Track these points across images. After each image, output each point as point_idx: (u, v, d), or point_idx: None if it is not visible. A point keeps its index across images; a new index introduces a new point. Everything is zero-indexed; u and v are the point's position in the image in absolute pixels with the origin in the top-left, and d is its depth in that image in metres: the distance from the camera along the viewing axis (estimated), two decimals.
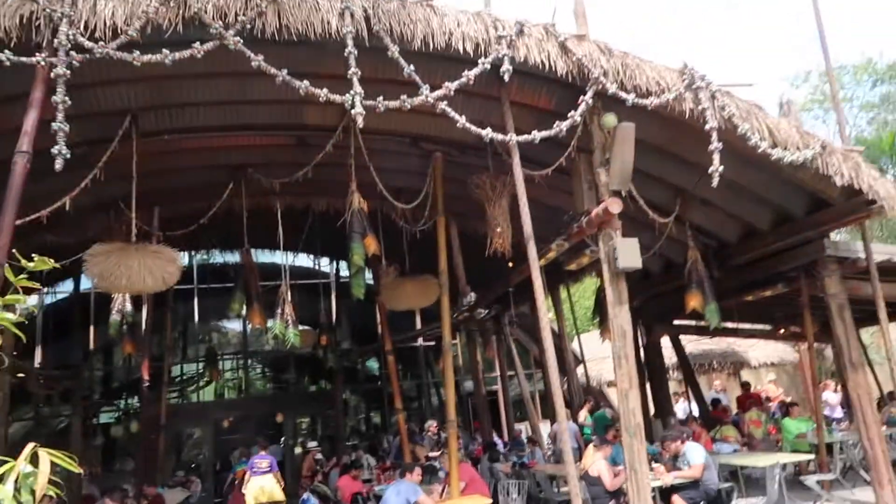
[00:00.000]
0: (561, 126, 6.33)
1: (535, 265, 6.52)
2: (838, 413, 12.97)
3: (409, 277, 10.72)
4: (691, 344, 16.80)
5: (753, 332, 15.19)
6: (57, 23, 5.07)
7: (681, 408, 15.45)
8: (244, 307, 10.63)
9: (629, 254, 6.45)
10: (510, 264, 10.09)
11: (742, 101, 6.89)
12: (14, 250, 2.64)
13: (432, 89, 5.89)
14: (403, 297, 10.86)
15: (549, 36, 6.35)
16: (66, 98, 5.03)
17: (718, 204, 9.18)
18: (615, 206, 6.45)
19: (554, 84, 6.78)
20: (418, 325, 18.73)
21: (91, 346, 16.61)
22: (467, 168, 8.54)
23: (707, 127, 6.60)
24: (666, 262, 11.17)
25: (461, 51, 6.02)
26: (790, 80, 30.22)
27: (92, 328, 16.12)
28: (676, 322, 13.46)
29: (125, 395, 18.86)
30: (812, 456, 9.36)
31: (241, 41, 5.38)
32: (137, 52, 5.13)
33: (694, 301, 9.24)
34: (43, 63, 5.00)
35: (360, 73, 5.61)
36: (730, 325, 12.20)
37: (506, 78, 6.13)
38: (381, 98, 5.70)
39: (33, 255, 2.36)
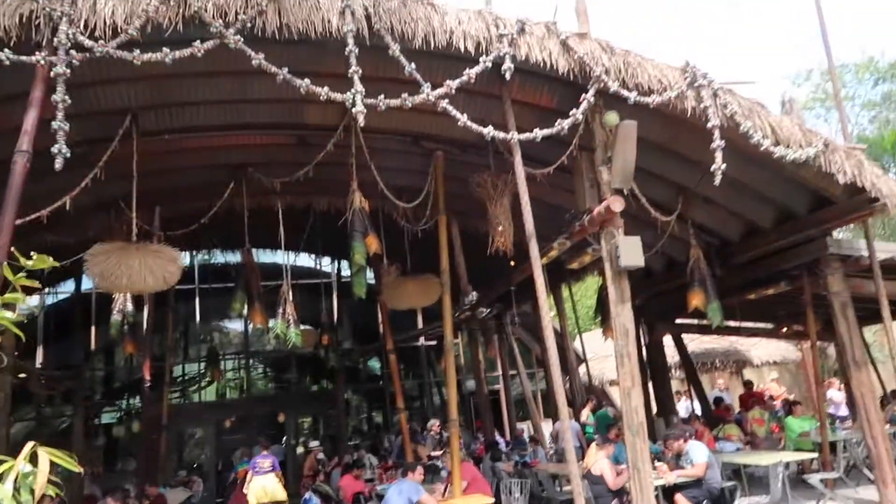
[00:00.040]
0: (562, 124, 6.31)
1: (537, 263, 6.50)
2: (843, 411, 12.93)
3: (410, 276, 10.70)
4: (693, 343, 16.78)
5: (756, 331, 15.16)
6: (57, 22, 5.06)
7: (683, 406, 15.42)
8: (245, 307, 10.62)
9: (631, 252, 6.43)
10: (512, 263, 10.07)
11: (744, 99, 6.87)
12: (13, 249, 2.62)
13: (433, 88, 5.87)
14: (405, 297, 10.84)
15: (551, 34, 6.33)
16: (66, 97, 5.02)
17: (720, 202, 9.16)
18: (617, 205, 6.42)
19: (555, 82, 6.76)
20: (420, 324, 18.72)
21: (92, 346, 16.62)
22: (469, 167, 8.52)
23: (709, 125, 6.57)
24: (668, 260, 11.15)
25: (462, 49, 6.00)
26: (792, 79, 30.19)
27: (93, 328, 16.11)
28: (679, 321, 13.43)
29: (127, 396, 18.87)
30: (815, 454, 9.33)
31: (242, 40, 5.36)
32: (137, 51, 5.12)
33: (696, 299, 9.21)
34: (43, 62, 4.98)
35: (360, 71, 5.59)
36: (732, 323, 12.16)
37: (507, 76, 6.11)
38: (382, 96, 5.68)
39: (32, 253, 2.35)
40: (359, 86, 5.57)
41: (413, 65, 5.80)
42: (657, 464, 7.75)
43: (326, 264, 19.14)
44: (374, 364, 21.41)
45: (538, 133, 6.29)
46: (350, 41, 5.58)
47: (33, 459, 1.97)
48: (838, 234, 9.60)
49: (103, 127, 6.94)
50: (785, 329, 14.13)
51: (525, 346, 17.87)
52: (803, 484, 8.77)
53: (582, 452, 9.94)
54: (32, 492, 1.94)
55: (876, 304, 8.62)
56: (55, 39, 5.03)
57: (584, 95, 6.37)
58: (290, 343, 9.04)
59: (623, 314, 6.53)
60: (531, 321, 15.37)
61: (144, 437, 14.64)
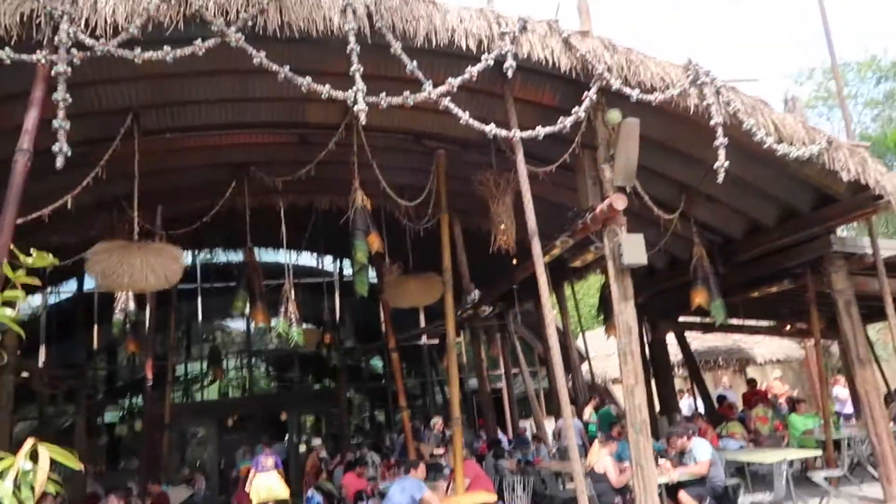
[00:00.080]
0: (565, 122, 6.29)
1: (540, 262, 6.48)
2: (849, 409, 12.91)
3: (412, 275, 10.69)
4: (697, 341, 16.76)
5: (759, 329, 15.14)
6: (57, 20, 5.04)
7: (686, 404, 15.41)
8: (247, 306, 10.62)
9: (634, 250, 6.42)
10: (514, 262, 10.05)
11: (747, 97, 6.85)
12: (14, 248, 2.61)
13: (435, 86, 5.85)
14: (407, 295, 10.83)
15: (553, 32, 6.31)
16: (67, 96, 5.01)
17: (723, 200, 9.14)
18: (619, 203, 6.41)
19: (557, 80, 6.74)
20: (422, 323, 18.71)
21: (95, 345, 16.63)
22: (470, 165, 8.50)
23: (712, 122, 6.55)
24: (671, 258, 11.13)
25: (464, 47, 5.98)
26: (794, 77, 30.11)
27: (96, 328, 16.13)
28: (681, 319, 13.41)
29: (129, 395, 18.89)
30: (819, 452, 9.31)
31: (243, 38, 5.35)
32: (139, 50, 5.11)
33: (699, 297, 9.20)
34: (43, 61, 4.97)
35: (362, 69, 5.57)
36: (735, 321, 12.15)
37: (509, 74, 6.09)
38: (383, 94, 5.67)
39: (31, 249, 2.34)
40: (360, 84, 5.56)
41: (415, 63, 5.79)
42: (660, 461, 7.73)
43: (328, 263, 19.13)
44: (377, 363, 21.41)
45: (540, 130, 6.27)
46: (351, 39, 5.56)
47: (34, 457, 1.96)
48: (842, 231, 9.57)
49: (104, 126, 6.93)
50: (788, 327, 14.11)
51: (527, 344, 17.86)
52: (807, 482, 8.75)
53: (584, 451, 9.93)
54: (33, 489, 1.93)
55: (879, 301, 8.59)
56: (56, 38, 5.01)
57: (586, 93, 6.35)
58: (293, 342, 9.03)
59: (626, 312, 6.52)
60: (533, 319, 15.36)
61: (147, 436, 14.65)
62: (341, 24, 5.57)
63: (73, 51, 5.00)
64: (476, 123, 6.12)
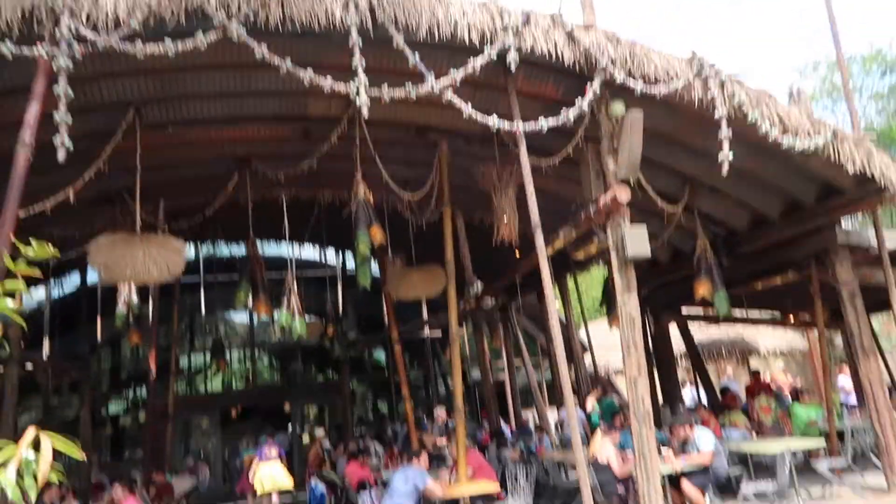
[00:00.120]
0: (568, 114, 6.28)
1: (543, 254, 6.48)
2: (854, 399, 12.91)
3: (415, 267, 10.69)
4: (700, 332, 16.76)
5: (762, 321, 15.14)
6: (59, 14, 5.03)
7: (688, 395, 15.43)
8: (250, 298, 10.64)
9: (638, 242, 6.42)
10: (517, 254, 10.05)
11: (752, 89, 6.82)
12: (15, 240, 2.61)
13: (437, 79, 5.83)
14: (410, 287, 10.84)
15: (556, 25, 6.28)
16: (69, 90, 5.00)
17: (727, 192, 9.11)
18: (623, 195, 6.40)
19: (561, 74, 6.71)
20: (425, 315, 18.74)
21: (99, 338, 16.69)
22: (473, 158, 8.48)
23: (716, 115, 6.53)
24: (674, 250, 11.12)
25: (467, 41, 5.96)
26: (798, 71, 29.97)
27: (99, 320, 16.18)
28: (684, 310, 13.41)
29: (133, 386, 18.98)
30: (823, 442, 9.33)
31: (245, 32, 5.33)
32: (140, 44, 5.09)
33: (703, 289, 9.18)
34: (45, 55, 4.96)
35: (364, 63, 5.56)
36: (738, 313, 12.15)
37: (512, 68, 6.07)
38: (384, 86, 5.65)
39: (31, 239, 2.34)
40: (363, 77, 5.54)
41: (417, 56, 5.77)
42: (663, 451, 7.75)
43: (331, 256, 19.15)
44: (380, 355, 21.47)
45: (544, 122, 6.25)
46: (354, 33, 5.54)
47: (37, 446, 1.97)
48: (845, 223, 9.55)
49: (107, 120, 6.93)
50: (792, 318, 14.10)
51: (530, 336, 17.88)
52: (810, 471, 8.77)
53: (585, 441, 9.96)
54: (35, 478, 1.94)
55: (883, 293, 8.58)
56: (57, 32, 5.00)
57: (589, 86, 6.33)
58: (296, 334, 9.05)
59: (629, 303, 6.53)
60: (536, 311, 15.38)
61: (151, 427, 14.74)
62: (343, 17, 5.56)
63: (75, 45, 4.99)
64: (479, 116, 6.11)
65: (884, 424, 8.49)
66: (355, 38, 5.53)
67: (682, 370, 16.99)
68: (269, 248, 14.96)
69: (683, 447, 8.17)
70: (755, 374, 15.07)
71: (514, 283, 12.20)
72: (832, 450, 9.32)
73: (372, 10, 5.66)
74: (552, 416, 14.93)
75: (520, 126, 6.34)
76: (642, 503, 6.31)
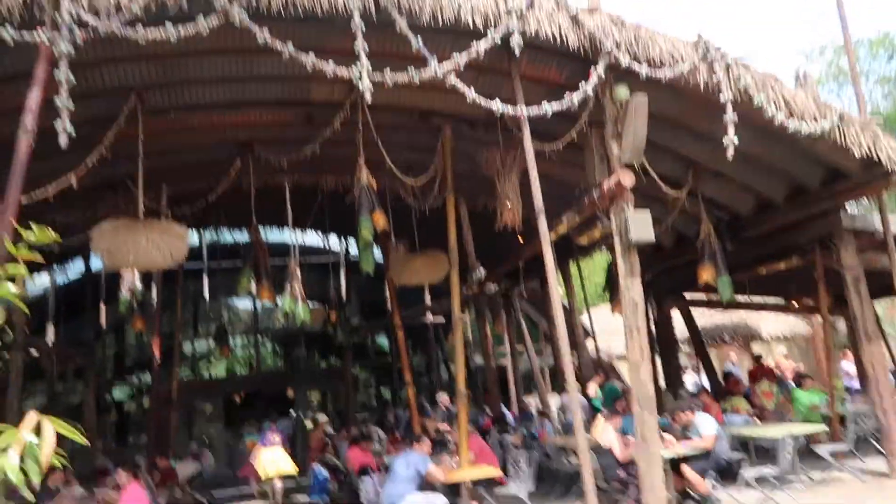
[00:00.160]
0: (572, 98, 6.24)
1: (546, 239, 6.48)
2: (858, 384, 12.91)
3: (418, 253, 10.69)
4: (703, 317, 16.77)
5: (765, 305, 15.13)
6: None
7: (689, 380, 15.47)
8: (254, 284, 10.66)
9: (641, 227, 6.41)
10: (520, 240, 10.04)
11: (758, 72, 6.77)
12: (17, 225, 2.61)
13: (441, 63, 5.80)
14: (413, 273, 10.84)
15: (560, 8, 6.24)
16: (70, 76, 4.98)
17: (732, 176, 9.08)
18: (627, 179, 6.38)
19: (565, 58, 6.67)
20: (428, 301, 18.76)
21: (103, 324, 16.76)
22: (477, 143, 8.45)
23: (722, 99, 6.49)
24: (678, 235, 11.10)
25: (470, 24, 5.92)
26: (805, 55, 29.74)
27: (104, 307, 16.24)
28: (687, 295, 13.41)
29: (137, 372, 19.07)
30: (825, 427, 9.35)
31: (247, 17, 5.29)
32: (142, 29, 5.06)
33: (706, 274, 9.17)
34: (46, 41, 4.93)
35: (367, 47, 5.52)
36: (741, 298, 12.14)
37: (516, 51, 6.03)
38: (388, 72, 5.62)
39: (31, 223, 2.33)
40: (366, 61, 5.51)
41: (420, 40, 5.73)
42: (665, 436, 7.78)
43: (334, 242, 19.16)
44: (382, 340, 21.53)
45: (547, 107, 6.22)
46: (356, 17, 5.50)
47: (39, 431, 1.98)
48: (850, 208, 9.52)
49: (108, 106, 6.90)
50: (795, 304, 14.09)
51: (533, 321, 17.91)
52: (812, 456, 8.80)
53: (586, 427, 9.99)
54: (38, 462, 1.94)
55: (888, 278, 8.57)
56: (58, 17, 4.97)
57: (593, 69, 6.29)
58: (299, 320, 9.06)
59: (632, 288, 6.53)
60: (539, 297, 15.39)
61: (155, 413, 14.81)
62: (346, 1, 5.52)
63: (76, 30, 4.96)
64: (482, 100, 6.08)
65: (886, 409, 8.51)
66: (358, 23, 5.49)
67: (685, 355, 17.04)
68: (273, 235, 14.96)
69: (685, 432, 8.20)
70: (757, 359, 15.12)
71: (517, 269, 12.19)
72: (834, 434, 9.34)
73: None
74: (554, 401, 14.99)
75: (523, 110, 6.31)
76: (643, 488, 6.35)
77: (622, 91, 6.42)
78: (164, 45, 5.19)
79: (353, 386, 19.60)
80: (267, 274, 10.24)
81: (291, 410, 19.33)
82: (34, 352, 13.00)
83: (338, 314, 18.47)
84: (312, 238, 17.32)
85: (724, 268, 9.22)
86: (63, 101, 4.94)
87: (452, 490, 7.73)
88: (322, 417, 15.64)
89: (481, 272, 11.81)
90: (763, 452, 8.61)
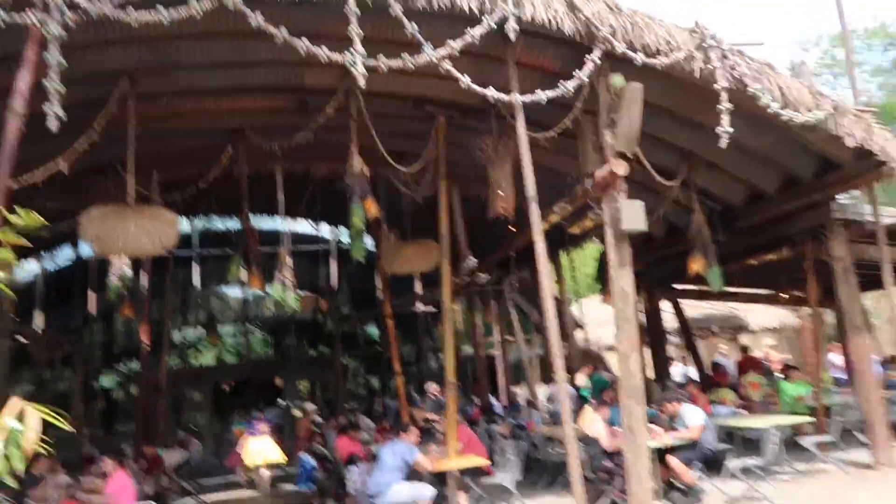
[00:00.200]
0: (567, 85, 6.23)
1: (538, 228, 6.48)
2: (846, 375, 13.03)
3: (409, 242, 10.68)
4: (692, 308, 16.85)
5: (755, 297, 15.23)
6: None
7: (677, 371, 15.56)
8: (243, 272, 10.62)
9: (633, 216, 6.42)
10: (513, 229, 10.04)
11: (753, 61, 6.78)
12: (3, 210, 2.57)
13: (435, 50, 5.78)
14: (404, 262, 10.82)
15: None
16: (61, 58, 4.93)
17: (724, 166, 9.11)
18: (620, 168, 6.39)
19: (560, 45, 6.65)
20: (419, 290, 18.77)
21: (92, 311, 16.67)
22: (470, 131, 8.42)
23: (717, 87, 6.50)
24: (669, 225, 11.13)
25: (466, 9, 5.88)
26: (800, 44, 29.80)
27: (93, 294, 16.14)
28: (677, 286, 13.47)
29: (126, 360, 18.99)
30: (811, 418, 9.45)
31: (241, 0, 5.25)
32: (134, 12, 5.01)
33: (697, 265, 9.21)
34: (36, 22, 4.87)
35: (362, 33, 5.49)
36: (731, 289, 12.21)
37: (512, 37, 6.01)
38: (382, 57, 5.59)
39: (19, 208, 2.31)
40: (359, 47, 5.48)
41: (415, 25, 5.70)
42: (652, 426, 7.83)
43: (325, 231, 19.11)
44: (372, 330, 21.53)
45: (542, 94, 6.22)
46: (351, 1, 5.47)
47: (23, 418, 1.96)
48: (842, 200, 9.58)
49: (99, 90, 6.83)
50: (785, 295, 14.19)
51: (523, 311, 17.95)
52: (797, 447, 8.89)
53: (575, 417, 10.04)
54: (20, 448, 1.93)
55: (876, 270, 8.64)
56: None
57: (588, 57, 6.28)
58: (289, 308, 9.04)
59: (623, 278, 6.55)
60: (530, 287, 15.41)
61: (143, 400, 14.77)
62: None
63: (67, 12, 4.90)
64: (477, 88, 6.06)
65: (871, 401, 8.60)
66: (352, 7, 5.46)
67: (673, 346, 17.14)
68: (264, 223, 14.89)
69: (672, 423, 8.26)
70: (745, 350, 15.24)
71: (508, 259, 12.21)
72: (819, 426, 9.43)
73: None
74: (542, 391, 15.05)
75: (517, 98, 6.29)
76: (630, 478, 6.39)
77: (617, 79, 6.41)
78: (156, 28, 5.15)
79: (343, 375, 19.60)
80: (257, 262, 10.19)
81: (280, 399, 19.33)
82: (22, 338, 12.91)
83: (328, 303, 18.44)
84: (304, 226, 17.27)
85: (715, 259, 9.27)
86: (53, 83, 4.89)
87: (440, 479, 7.75)
88: (310, 406, 15.65)
89: (472, 261, 11.81)
90: (749, 443, 8.68)
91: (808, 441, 8.85)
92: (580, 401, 11.13)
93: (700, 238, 9.26)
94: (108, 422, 18.96)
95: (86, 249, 14.96)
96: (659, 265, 12.10)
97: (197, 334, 19.98)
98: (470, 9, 5.87)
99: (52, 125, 4.85)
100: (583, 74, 6.27)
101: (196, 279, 18.29)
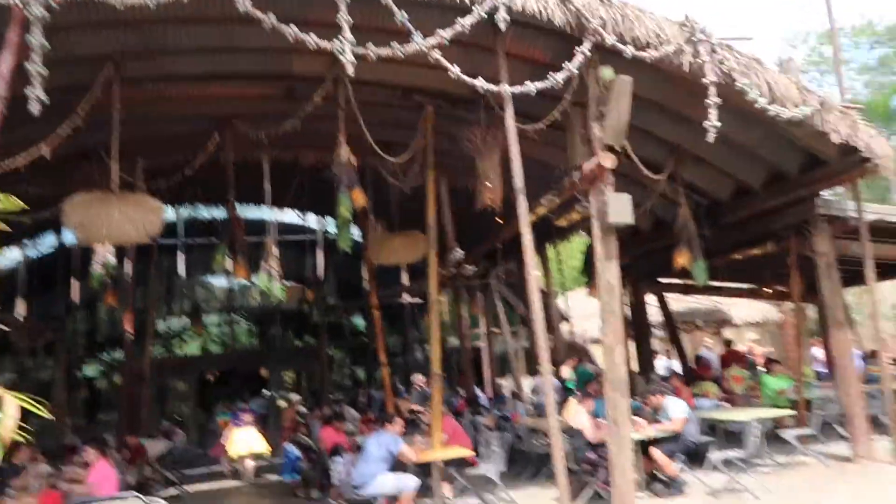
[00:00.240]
0: (556, 77, 6.22)
1: (525, 220, 6.48)
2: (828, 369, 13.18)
3: (396, 233, 10.66)
4: (676, 302, 16.96)
5: (738, 291, 15.36)
6: None
7: (661, 365, 15.68)
8: (229, 261, 10.55)
9: (620, 209, 6.44)
10: (500, 221, 10.04)
11: (742, 56, 6.81)
12: None
13: (425, 39, 5.74)
14: (391, 252, 10.80)
15: None
16: (44, 41, 4.84)
17: (712, 161, 9.15)
18: (608, 161, 6.40)
19: (551, 36, 6.63)
20: (405, 281, 18.76)
21: (75, 299, 16.52)
22: (458, 122, 8.39)
23: (706, 81, 6.51)
24: (656, 219, 11.18)
25: None
26: (788, 41, 29.96)
27: (76, 281, 16.00)
28: (662, 280, 13.55)
29: (109, 349, 18.84)
30: (792, 412, 9.55)
31: None
32: None
33: (682, 259, 9.26)
34: (19, 3, 4.79)
35: (351, 21, 5.45)
36: (716, 283, 12.30)
37: (502, 27, 5.99)
38: (371, 45, 5.55)
39: None
40: (348, 34, 5.44)
41: (405, 14, 5.66)
42: (635, 419, 7.89)
43: (312, 221, 19.04)
44: (359, 320, 21.50)
45: (531, 85, 6.20)
46: None
47: (1, 405, 1.93)
48: (828, 196, 9.67)
49: (84, 74, 6.73)
50: (768, 290, 14.31)
51: (509, 304, 17.98)
52: (778, 440, 8.98)
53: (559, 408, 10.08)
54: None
55: (858, 266, 8.73)
56: None
57: (578, 49, 6.27)
58: (275, 298, 9.00)
59: (609, 271, 6.56)
60: (516, 279, 15.44)
61: (127, 390, 14.67)
62: None
63: None
64: (466, 78, 6.04)
65: (851, 395, 8.71)
66: None
67: (657, 340, 17.25)
68: (250, 212, 14.81)
69: (655, 415, 8.32)
70: (728, 344, 15.38)
71: (494, 251, 12.22)
72: (800, 419, 9.54)
73: None
74: (527, 383, 15.10)
75: (507, 88, 6.28)
76: (613, 469, 6.43)
77: (607, 72, 6.41)
78: (142, 10, 5.07)
79: (328, 366, 19.57)
80: (243, 251, 10.13)
81: (265, 389, 19.27)
82: (3, 326, 12.77)
83: (314, 293, 18.39)
84: (290, 216, 17.19)
85: (700, 253, 9.32)
86: (36, 66, 4.81)
87: (424, 470, 7.77)
88: (295, 397, 15.63)
89: (459, 253, 11.80)
90: (731, 436, 8.76)
91: (788, 434, 8.95)
92: (565, 393, 11.18)
93: (686, 232, 9.31)
94: (90, 411, 18.82)
95: (69, 236, 14.82)
96: (645, 259, 12.16)
97: (182, 324, 19.83)
98: None
99: (35, 108, 4.77)
100: (572, 66, 6.25)
101: (181, 268, 18.18)
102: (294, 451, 10.14)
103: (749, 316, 19.36)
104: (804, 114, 7.00)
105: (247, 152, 9.21)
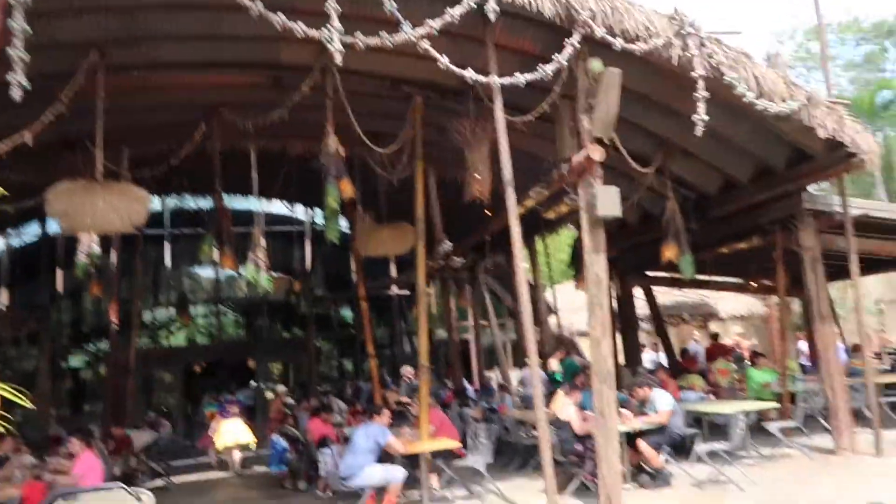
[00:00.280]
0: (546, 69, 6.20)
1: (514, 212, 6.47)
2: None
3: (384, 224, 10.62)
4: (663, 295, 17.05)
5: (724, 285, 15.45)
6: None
7: (648, 358, 15.76)
8: (216, 252, 10.47)
9: (609, 201, 6.44)
10: (488, 213, 10.03)
11: (730, 50, 6.82)
12: None
13: (414, 29, 5.71)
14: (379, 244, 10.75)
15: None
16: (26, 26, 4.77)
17: (700, 155, 9.17)
18: (597, 154, 6.39)
19: (540, 27, 6.61)
20: (393, 273, 18.74)
21: (59, 289, 16.38)
22: (447, 113, 8.35)
23: (694, 75, 6.52)
24: (643, 212, 11.21)
25: None
26: (776, 36, 30.11)
27: (60, 271, 15.85)
28: (649, 273, 13.60)
29: (95, 339, 18.72)
30: (776, 404, 9.63)
31: None
32: None
33: (669, 252, 9.28)
34: None
35: (339, 9, 5.40)
36: (702, 277, 12.36)
37: (491, 17, 5.97)
38: (359, 34, 5.51)
39: None
40: (337, 23, 5.39)
41: (394, 3, 5.62)
42: (622, 411, 7.92)
43: (300, 211, 18.96)
44: (346, 312, 21.48)
45: (520, 77, 6.18)
46: None
47: None
48: (814, 191, 9.73)
49: (67, 60, 6.63)
50: (754, 284, 14.40)
51: (497, 296, 18.02)
52: (763, 432, 9.06)
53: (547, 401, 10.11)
54: None
55: (843, 260, 8.79)
56: None
57: (567, 40, 6.25)
58: (262, 289, 8.95)
59: (597, 263, 6.57)
60: (504, 272, 15.46)
61: (112, 381, 14.56)
62: None
63: None
64: (455, 69, 6.01)
65: (834, 388, 8.79)
66: None
67: (644, 333, 17.34)
68: (237, 202, 14.72)
69: (642, 407, 8.36)
70: (714, 338, 15.47)
71: (483, 243, 12.20)
72: (784, 412, 9.62)
73: None
74: (514, 375, 15.15)
75: (496, 80, 6.25)
76: (600, 461, 6.46)
77: (596, 64, 6.40)
78: None
79: (316, 357, 19.54)
80: (230, 242, 10.05)
81: (252, 381, 19.23)
82: None
83: (302, 284, 18.33)
84: (278, 206, 17.11)
85: (688, 246, 9.35)
86: (17, 51, 4.74)
87: (412, 462, 7.77)
88: (282, 388, 15.59)
89: (447, 245, 11.78)
90: (716, 428, 8.83)
91: (773, 426, 9.03)
92: (552, 385, 11.22)
93: (673, 226, 9.33)
94: (75, 402, 18.71)
95: (53, 225, 14.67)
96: (632, 252, 12.19)
97: (168, 314, 19.72)
98: None
99: (16, 95, 4.71)
100: (562, 58, 6.24)
101: (167, 258, 18.05)
102: (281, 442, 10.11)
103: (735, 310, 19.52)
104: (791, 108, 7.03)
105: (234, 141, 9.12)
